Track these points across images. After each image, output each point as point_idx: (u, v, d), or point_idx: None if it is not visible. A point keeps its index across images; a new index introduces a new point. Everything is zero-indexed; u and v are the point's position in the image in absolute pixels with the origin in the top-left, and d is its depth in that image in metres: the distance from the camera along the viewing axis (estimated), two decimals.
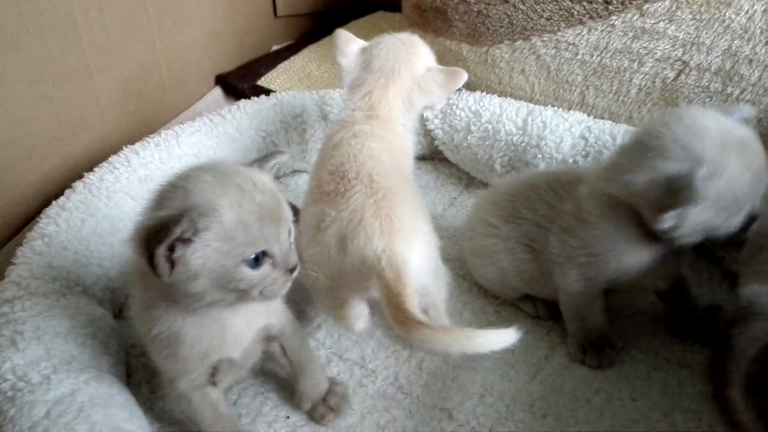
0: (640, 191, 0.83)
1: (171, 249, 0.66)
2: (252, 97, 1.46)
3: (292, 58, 1.87)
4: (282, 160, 0.82)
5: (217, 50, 1.73)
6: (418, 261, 0.90)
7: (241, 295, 0.72)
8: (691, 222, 0.81)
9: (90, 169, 1.22)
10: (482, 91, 1.39)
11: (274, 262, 0.73)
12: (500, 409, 0.95)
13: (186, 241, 0.67)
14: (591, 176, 0.95)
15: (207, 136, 1.35)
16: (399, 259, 0.87)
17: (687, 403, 0.93)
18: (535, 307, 1.09)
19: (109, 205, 1.16)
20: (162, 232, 0.65)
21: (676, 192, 0.77)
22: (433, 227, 1.00)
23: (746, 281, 0.86)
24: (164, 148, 1.29)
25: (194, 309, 0.75)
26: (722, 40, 1.15)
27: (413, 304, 0.83)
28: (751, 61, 1.14)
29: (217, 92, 1.74)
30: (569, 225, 0.95)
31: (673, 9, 1.17)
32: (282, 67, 1.82)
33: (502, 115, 1.32)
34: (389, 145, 1.04)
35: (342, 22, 2.06)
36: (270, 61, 1.85)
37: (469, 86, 1.43)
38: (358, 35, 1.97)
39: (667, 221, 0.80)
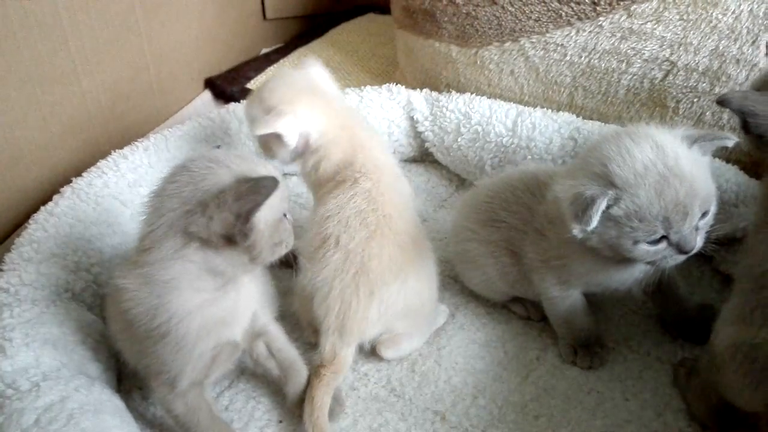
0: (562, 197, 0.86)
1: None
2: (241, 101, 1.46)
3: (281, 60, 1.87)
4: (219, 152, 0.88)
5: (205, 53, 1.73)
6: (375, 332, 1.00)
7: (282, 246, 0.83)
8: (598, 237, 0.84)
9: (78, 174, 1.21)
10: (472, 93, 1.39)
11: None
12: (493, 410, 0.95)
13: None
14: (557, 178, 0.94)
15: (196, 140, 1.34)
16: (343, 344, 0.96)
17: (678, 403, 0.94)
18: (525, 308, 1.09)
19: (98, 210, 1.15)
20: (254, 200, 0.74)
21: (578, 209, 0.81)
22: (431, 263, 1.04)
23: None
24: (153, 152, 1.28)
25: (237, 277, 0.83)
26: (709, 41, 1.16)
27: (323, 404, 0.92)
28: (738, 60, 1.14)
29: (206, 96, 1.73)
30: (542, 227, 0.96)
31: (661, 9, 1.18)
32: (271, 70, 1.82)
33: (491, 117, 1.32)
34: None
35: (332, 24, 2.06)
36: (259, 64, 1.84)
37: (459, 88, 1.43)
38: (348, 37, 1.99)
39: (576, 232, 0.83)
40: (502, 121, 1.31)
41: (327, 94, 1.09)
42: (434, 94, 1.43)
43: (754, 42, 1.13)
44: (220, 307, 0.82)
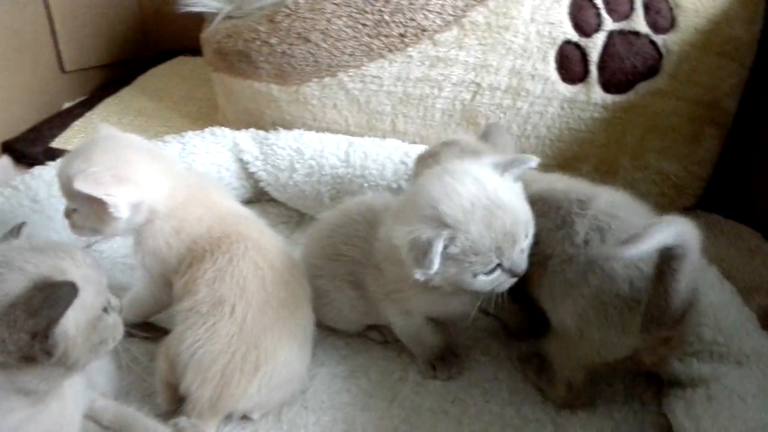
0: (400, 245, 0.87)
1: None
2: (47, 162, 1.33)
3: (87, 114, 1.74)
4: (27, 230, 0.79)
5: (0, 115, 1.56)
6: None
7: (107, 343, 0.75)
8: (440, 276, 0.87)
9: None
10: (299, 129, 1.40)
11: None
12: None
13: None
14: (388, 218, 0.95)
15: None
16: (211, 415, 0.91)
17: (534, 395, 1.01)
18: (381, 333, 1.11)
19: None
20: (49, 315, 0.65)
21: (417, 254, 0.84)
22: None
23: None
24: None
25: (52, 389, 0.73)
26: (506, 61, 1.28)
27: None
28: (533, 76, 1.28)
29: (5, 161, 1.56)
30: (378, 261, 0.98)
31: (461, 37, 1.28)
32: (78, 125, 1.68)
33: (323, 150, 1.34)
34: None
35: (139, 71, 1.97)
36: (63, 120, 1.70)
37: (285, 125, 1.44)
38: (160, 83, 1.91)
39: (419, 276, 0.85)
40: (335, 153, 1.34)
41: (165, 156, 1.02)
42: (261, 133, 1.41)
43: (544, 58, 1.27)
44: (43, 422, 0.72)
